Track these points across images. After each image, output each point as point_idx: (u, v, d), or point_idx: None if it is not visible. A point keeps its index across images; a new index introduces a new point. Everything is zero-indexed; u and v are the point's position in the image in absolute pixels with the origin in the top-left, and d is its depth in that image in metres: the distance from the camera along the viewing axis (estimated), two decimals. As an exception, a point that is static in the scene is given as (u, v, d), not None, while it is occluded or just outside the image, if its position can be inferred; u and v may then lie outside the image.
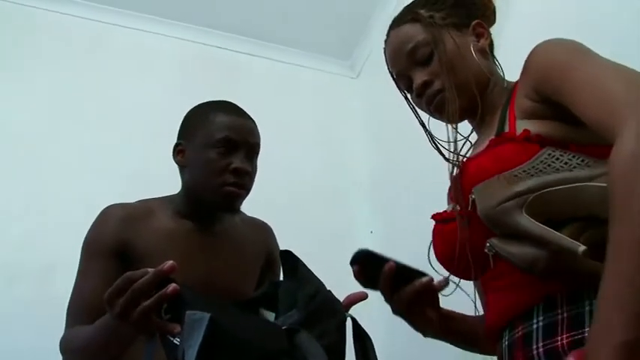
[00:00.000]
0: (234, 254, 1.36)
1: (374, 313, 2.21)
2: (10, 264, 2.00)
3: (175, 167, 1.38)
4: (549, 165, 0.80)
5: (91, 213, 1.33)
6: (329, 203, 2.59)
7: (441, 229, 0.98)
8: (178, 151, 1.37)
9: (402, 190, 2.25)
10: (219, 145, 1.29)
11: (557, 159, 0.80)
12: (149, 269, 0.85)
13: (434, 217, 1.01)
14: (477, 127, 1.08)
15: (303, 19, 2.75)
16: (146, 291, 0.84)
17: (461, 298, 1.01)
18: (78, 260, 1.29)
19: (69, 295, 1.26)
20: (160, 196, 1.40)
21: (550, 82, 0.84)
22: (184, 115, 1.43)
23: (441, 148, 1.05)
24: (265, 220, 1.52)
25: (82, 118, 2.35)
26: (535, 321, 0.80)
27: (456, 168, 1.00)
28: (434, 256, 1.00)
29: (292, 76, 2.85)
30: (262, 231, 1.49)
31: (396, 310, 0.99)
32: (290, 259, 0.96)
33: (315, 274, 0.95)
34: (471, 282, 1.01)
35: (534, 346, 0.79)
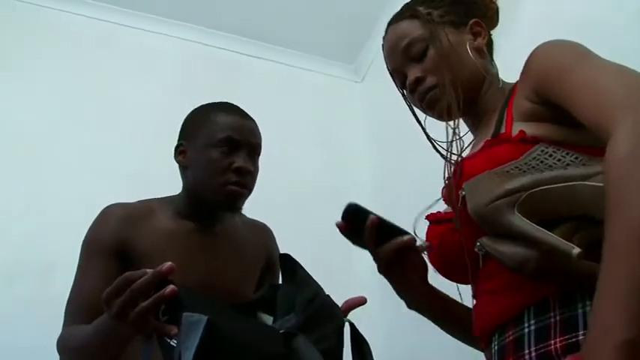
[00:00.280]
0: (234, 255, 1.36)
1: (373, 318, 2.22)
2: (11, 263, 2.00)
3: (176, 167, 1.38)
4: (542, 162, 0.79)
5: (92, 213, 1.33)
6: (330, 205, 2.57)
7: (435, 230, 0.97)
8: (180, 152, 1.37)
9: (403, 194, 2.24)
10: (221, 144, 1.29)
11: (550, 155, 0.79)
12: (148, 270, 0.85)
13: (428, 217, 1.01)
14: (473, 128, 1.07)
15: (308, 22, 2.76)
16: (144, 292, 0.84)
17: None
18: (77, 259, 1.29)
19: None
20: (161, 196, 1.40)
21: (549, 84, 0.84)
22: (185, 116, 1.43)
23: (438, 147, 1.05)
24: (266, 221, 1.52)
25: (83, 117, 2.35)
26: (526, 325, 0.79)
27: (451, 167, 0.98)
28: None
29: (296, 79, 2.85)
30: (262, 233, 1.49)
31: (379, 269, 1.00)
32: (289, 263, 0.96)
33: (314, 278, 0.94)
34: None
35: (526, 351, 0.77)
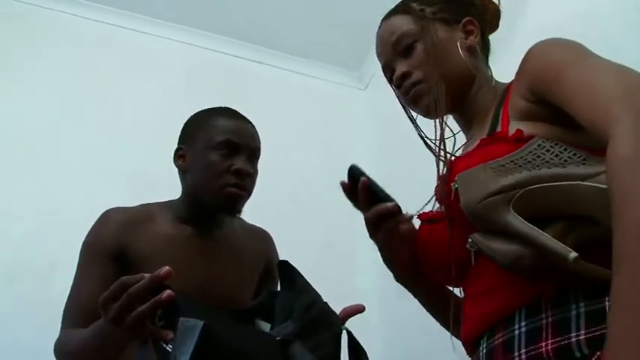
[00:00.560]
0: (233, 261, 1.36)
1: (372, 325, 2.22)
2: (11, 263, 2.00)
3: (177, 170, 1.38)
4: (538, 156, 0.76)
5: (92, 213, 1.34)
6: (332, 213, 2.58)
7: (426, 229, 0.96)
8: (179, 156, 1.38)
9: (407, 202, 2.23)
10: (220, 147, 1.30)
11: (548, 150, 0.77)
12: (145, 274, 0.85)
13: (419, 216, 0.99)
14: (465, 128, 1.06)
15: (313, 29, 2.76)
16: (141, 296, 0.83)
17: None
18: (77, 261, 1.29)
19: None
20: (161, 200, 1.40)
21: (545, 83, 0.82)
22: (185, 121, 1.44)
23: (430, 144, 1.03)
24: (268, 227, 1.52)
25: (84, 118, 2.35)
26: (517, 326, 0.77)
27: (443, 166, 0.96)
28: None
29: (300, 85, 2.85)
30: (262, 239, 1.49)
31: (369, 233, 1.01)
32: (287, 270, 0.96)
33: (312, 285, 0.94)
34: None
35: (516, 353, 0.75)
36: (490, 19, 1.09)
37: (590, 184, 0.70)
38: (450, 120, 1.08)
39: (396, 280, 1.05)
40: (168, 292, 0.82)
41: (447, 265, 0.89)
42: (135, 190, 1.79)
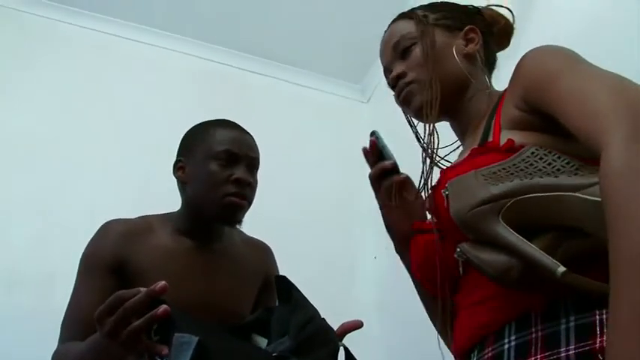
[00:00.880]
0: (232, 273, 1.35)
1: (374, 339, 2.20)
2: (11, 272, 1.99)
3: (181, 182, 1.38)
4: (531, 164, 0.75)
5: (94, 223, 1.34)
6: (333, 228, 2.58)
7: (418, 240, 0.95)
8: (179, 168, 1.38)
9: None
10: (220, 157, 1.30)
11: (541, 158, 0.75)
12: (141, 288, 0.85)
13: (413, 226, 0.99)
14: (461, 135, 1.06)
15: (315, 42, 2.77)
16: (137, 311, 0.83)
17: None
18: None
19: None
20: (163, 211, 1.39)
21: (537, 92, 0.81)
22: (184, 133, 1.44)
23: (426, 150, 1.03)
24: (268, 243, 1.51)
25: (86, 128, 2.36)
26: (507, 340, 0.75)
27: (429, 170, 0.97)
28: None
29: (302, 98, 2.85)
30: (262, 252, 1.48)
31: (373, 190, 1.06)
32: (284, 285, 0.95)
33: (310, 301, 0.93)
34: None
35: None
36: (499, 34, 1.09)
37: (583, 196, 0.68)
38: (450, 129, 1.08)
39: (396, 252, 1.07)
40: (164, 307, 0.81)
41: (441, 275, 0.88)
42: (137, 200, 1.79)
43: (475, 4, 1.14)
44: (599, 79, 0.74)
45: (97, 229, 1.33)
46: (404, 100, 1.03)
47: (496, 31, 1.09)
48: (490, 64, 1.08)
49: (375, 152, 1.04)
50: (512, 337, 0.75)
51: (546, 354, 0.70)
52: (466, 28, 1.04)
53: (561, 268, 0.65)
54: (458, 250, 0.76)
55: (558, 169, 0.73)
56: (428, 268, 0.92)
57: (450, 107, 1.01)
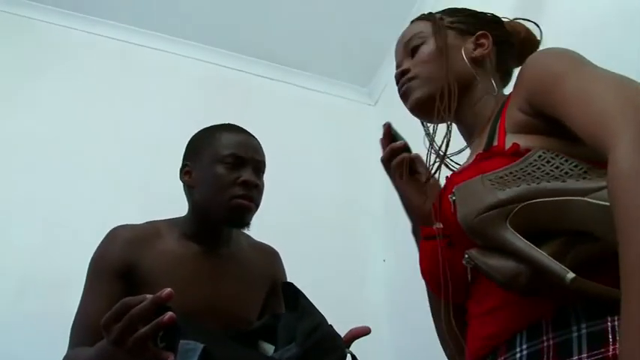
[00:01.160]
0: (239, 278, 1.35)
1: (383, 342, 2.19)
2: (21, 276, 2.00)
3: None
4: (539, 168, 0.74)
5: (104, 229, 1.34)
6: (342, 231, 2.57)
7: (425, 246, 0.95)
8: (185, 172, 1.38)
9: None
10: (226, 160, 1.31)
11: (548, 162, 0.74)
12: (148, 295, 0.86)
13: (422, 233, 0.99)
14: (468, 139, 1.05)
15: (322, 45, 2.76)
16: (143, 318, 0.83)
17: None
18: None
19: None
20: (168, 217, 1.39)
21: (542, 94, 0.81)
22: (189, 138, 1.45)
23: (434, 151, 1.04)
24: (277, 247, 1.51)
25: (98, 133, 2.37)
26: (518, 349, 0.74)
27: (435, 168, 0.98)
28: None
29: (310, 101, 2.85)
30: (269, 256, 1.47)
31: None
32: (291, 292, 0.95)
33: (317, 308, 0.93)
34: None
35: None
36: (520, 45, 1.09)
37: (591, 200, 0.68)
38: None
39: (412, 233, 1.09)
40: (169, 314, 0.81)
41: (451, 282, 0.87)
42: (147, 205, 1.79)
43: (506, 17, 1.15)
44: (605, 80, 0.73)
45: (105, 234, 1.33)
46: (403, 95, 1.06)
47: (516, 42, 1.09)
48: (502, 73, 1.08)
49: (389, 137, 1.09)
50: (524, 346, 0.74)
51: None
52: (478, 33, 1.05)
53: (570, 275, 0.64)
54: (466, 256, 0.76)
55: (566, 173, 0.72)
56: (436, 274, 0.91)
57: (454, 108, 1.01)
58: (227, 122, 1.44)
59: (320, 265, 2.34)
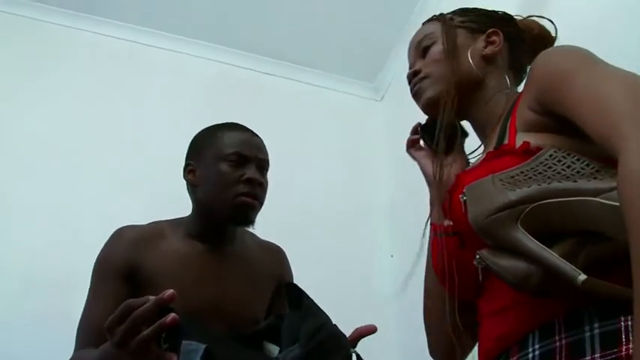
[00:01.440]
0: (245, 277, 1.34)
1: (390, 341, 2.18)
2: (26, 276, 2.00)
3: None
4: (550, 167, 0.74)
5: (111, 230, 1.34)
6: (349, 226, 2.56)
7: (437, 241, 0.95)
8: (189, 171, 1.38)
9: (423, 214, 2.21)
10: (230, 159, 1.31)
11: (559, 161, 0.74)
12: (150, 297, 0.85)
13: (434, 229, 0.99)
14: (481, 137, 1.06)
15: (327, 41, 2.75)
16: (146, 320, 0.83)
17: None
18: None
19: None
20: (173, 217, 1.39)
21: (551, 92, 0.80)
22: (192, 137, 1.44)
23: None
24: (283, 243, 1.50)
25: (105, 133, 2.37)
26: (531, 349, 0.74)
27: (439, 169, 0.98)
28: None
29: (316, 98, 2.84)
30: (275, 255, 1.47)
31: None
32: (295, 292, 0.94)
33: (321, 308, 0.92)
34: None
35: None
36: (533, 42, 1.08)
37: (603, 201, 0.67)
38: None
39: (430, 203, 1.09)
40: (172, 315, 0.81)
41: (462, 281, 0.87)
42: (153, 206, 1.79)
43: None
44: (616, 79, 0.72)
45: (110, 235, 1.33)
46: (415, 95, 1.07)
47: (529, 38, 1.09)
48: (516, 70, 1.07)
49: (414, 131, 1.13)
50: (537, 346, 0.74)
51: None
52: (489, 30, 1.05)
53: (582, 276, 0.64)
54: (477, 257, 0.76)
55: (578, 172, 0.72)
56: (452, 274, 0.91)
57: (465, 107, 1.02)
58: (230, 121, 1.44)
59: (326, 260, 2.34)
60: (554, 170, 0.73)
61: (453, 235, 0.90)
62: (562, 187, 0.70)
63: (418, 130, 1.11)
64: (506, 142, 0.86)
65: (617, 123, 0.66)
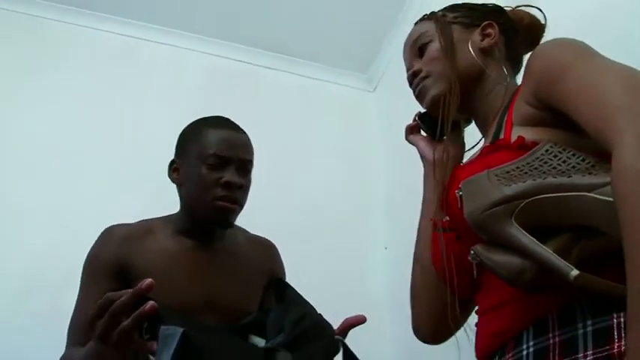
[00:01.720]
0: (235, 272, 1.34)
1: (385, 336, 2.18)
2: (25, 277, 2.00)
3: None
4: (545, 162, 0.74)
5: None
6: (343, 218, 2.56)
7: (436, 236, 0.95)
8: (173, 169, 1.37)
9: (417, 206, 2.20)
10: (209, 161, 1.29)
11: (555, 156, 0.74)
12: (130, 290, 0.85)
13: (432, 221, 0.99)
14: (482, 130, 1.06)
15: (320, 32, 2.74)
16: (125, 311, 0.83)
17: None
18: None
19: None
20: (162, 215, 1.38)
21: (548, 85, 0.80)
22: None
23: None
24: (277, 235, 1.50)
25: (104, 131, 2.36)
26: (525, 346, 0.75)
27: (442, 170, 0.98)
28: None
29: (309, 89, 2.83)
30: (267, 249, 1.46)
31: None
32: (280, 285, 0.94)
33: (304, 298, 0.92)
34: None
35: None
36: (526, 32, 1.09)
37: (597, 196, 0.67)
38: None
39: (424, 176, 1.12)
40: (151, 303, 0.82)
41: (459, 276, 0.88)
42: (155, 206, 1.78)
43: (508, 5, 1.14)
44: (613, 73, 0.72)
45: (100, 233, 1.33)
46: (419, 95, 1.06)
47: (521, 28, 1.09)
48: (513, 61, 1.07)
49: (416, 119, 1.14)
50: (531, 343, 0.74)
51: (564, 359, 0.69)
52: (483, 23, 1.05)
53: (574, 272, 0.64)
54: (472, 252, 0.76)
55: (573, 167, 0.72)
56: (450, 269, 0.92)
57: (467, 102, 1.02)
58: (216, 115, 1.42)
59: (321, 254, 2.34)
60: (549, 165, 0.73)
61: (450, 231, 0.91)
62: (557, 182, 0.70)
63: (416, 119, 1.12)
64: (501, 136, 0.86)
65: (613, 116, 0.66)
